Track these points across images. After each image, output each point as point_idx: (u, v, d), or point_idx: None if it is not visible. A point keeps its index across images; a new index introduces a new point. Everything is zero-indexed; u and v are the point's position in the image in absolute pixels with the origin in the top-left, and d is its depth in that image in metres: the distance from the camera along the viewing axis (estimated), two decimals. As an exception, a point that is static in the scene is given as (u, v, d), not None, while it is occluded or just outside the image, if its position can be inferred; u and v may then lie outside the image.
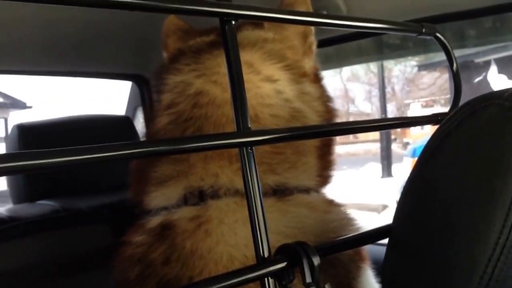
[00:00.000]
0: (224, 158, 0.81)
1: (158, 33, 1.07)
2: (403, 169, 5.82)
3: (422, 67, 11.72)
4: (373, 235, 0.64)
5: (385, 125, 0.66)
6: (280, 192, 0.82)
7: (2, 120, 13.69)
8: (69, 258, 1.36)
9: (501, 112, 0.56)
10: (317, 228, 0.78)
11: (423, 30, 0.74)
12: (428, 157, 0.62)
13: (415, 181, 0.62)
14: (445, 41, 0.77)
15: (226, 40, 0.51)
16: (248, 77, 0.84)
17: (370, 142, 14.69)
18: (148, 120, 0.95)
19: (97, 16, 1.37)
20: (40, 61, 1.72)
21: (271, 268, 0.54)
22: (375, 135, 12.94)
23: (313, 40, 0.99)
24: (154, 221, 0.83)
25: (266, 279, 0.54)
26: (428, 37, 0.77)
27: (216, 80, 0.87)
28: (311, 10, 0.96)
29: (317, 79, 0.98)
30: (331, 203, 0.88)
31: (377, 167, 10.92)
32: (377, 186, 8.96)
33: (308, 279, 0.55)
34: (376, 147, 13.08)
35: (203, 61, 0.91)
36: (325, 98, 0.95)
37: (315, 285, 0.55)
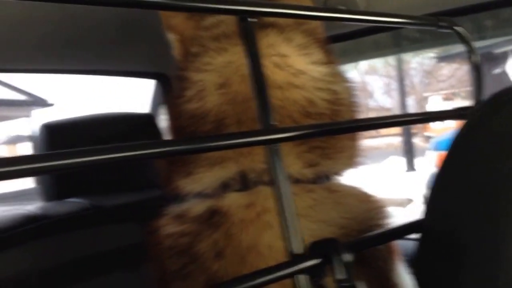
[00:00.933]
0: None
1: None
2: (427, 162, 5.77)
3: (441, 58, 11.60)
4: (405, 230, 0.63)
5: (409, 121, 0.65)
6: (320, 180, 0.81)
7: (26, 118, 13.91)
8: (98, 256, 1.37)
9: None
10: (363, 216, 0.77)
11: (440, 23, 0.73)
12: (456, 151, 0.61)
13: (444, 175, 0.61)
14: (464, 33, 0.76)
15: (245, 37, 0.51)
16: (302, 59, 0.85)
17: (391, 136, 14.59)
18: (176, 104, 0.88)
19: (121, 15, 1.39)
20: (63, 60, 1.75)
21: (304, 265, 0.54)
22: (397, 129, 12.83)
23: None
24: (197, 208, 0.79)
25: (299, 276, 0.54)
26: (447, 31, 0.75)
27: (274, 61, 0.84)
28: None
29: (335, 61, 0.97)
30: (367, 192, 0.87)
31: (399, 160, 10.84)
32: (401, 180, 8.88)
33: (340, 276, 0.54)
34: (397, 141, 12.99)
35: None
36: (346, 77, 0.93)
37: (347, 281, 0.54)
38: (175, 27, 0.97)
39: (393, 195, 7.15)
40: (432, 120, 0.72)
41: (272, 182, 0.54)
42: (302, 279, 0.55)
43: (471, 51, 0.77)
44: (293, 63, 0.85)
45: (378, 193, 0.87)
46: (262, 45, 0.84)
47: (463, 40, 0.77)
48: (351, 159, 0.87)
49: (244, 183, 0.78)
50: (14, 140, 15.55)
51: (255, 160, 0.78)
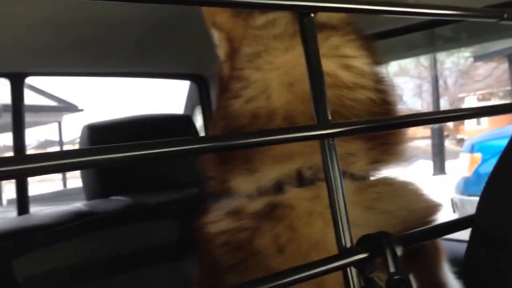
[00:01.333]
0: None
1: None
2: (460, 165, 5.66)
3: (477, 58, 11.33)
4: (455, 225, 0.63)
5: (467, 115, 0.65)
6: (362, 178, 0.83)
7: (56, 124, 14.21)
8: (141, 251, 1.43)
9: None
10: (420, 210, 0.79)
11: (505, 15, 0.71)
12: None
13: (499, 173, 0.61)
14: None
15: (304, 33, 0.52)
16: (363, 60, 0.88)
17: (418, 139, 14.39)
18: (229, 105, 0.89)
19: (156, 16, 1.41)
20: (97, 63, 1.80)
21: (354, 258, 0.54)
22: (424, 132, 12.64)
23: None
24: (256, 204, 0.80)
25: (348, 269, 0.55)
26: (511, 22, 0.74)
27: (345, 64, 0.87)
28: None
29: None
30: (418, 186, 0.90)
31: (427, 164, 10.68)
32: (429, 184, 8.73)
33: (392, 269, 0.55)
34: (425, 144, 12.80)
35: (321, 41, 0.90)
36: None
37: (398, 275, 0.55)
38: (221, 25, 0.96)
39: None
40: (488, 114, 0.70)
41: (326, 179, 0.54)
42: (352, 272, 0.55)
43: None
44: (357, 64, 0.87)
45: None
46: (327, 46, 0.87)
47: None
48: (404, 154, 0.89)
49: (300, 180, 0.79)
50: (45, 145, 15.87)
51: (311, 159, 0.79)
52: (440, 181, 8.72)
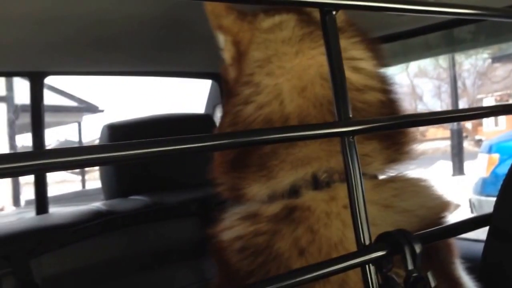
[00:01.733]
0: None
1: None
2: (478, 165, 5.60)
3: (495, 59, 11.24)
4: (473, 223, 0.63)
5: (483, 113, 0.65)
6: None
7: (76, 124, 14.33)
8: (160, 250, 1.43)
9: None
10: (437, 207, 0.79)
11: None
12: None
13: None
14: None
15: (326, 31, 0.52)
16: (371, 62, 0.89)
17: (438, 140, 14.27)
18: (241, 110, 0.89)
19: (177, 14, 1.41)
20: (120, 61, 1.80)
21: (373, 255, 0.55)
22: (444, 133, 12.54)
23: None
24: (273, 207, 0.81)
25: (367, 266, 0.55)
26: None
27: (354, 66, 0.87)
28: None
29: None
30: (432, 183, 0.90)
31: (447, 165, 10.59)
32: (448, 184, 8.69)
33: (410, 266, 0.55)
34: (445, 145, 12.69)
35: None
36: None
37: (417, 272, 0.55)
38: (227, 28, 0.96)
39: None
40: (498, 113, 0.70)
41: (346, 176, 0.55)
42: (370, 269, 0.56)
43: None
44: (365, 65, 0.88)
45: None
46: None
47: None
48: (415, 153, 0.89)
49: (316, 184, 0.80)
50: (64, 146, 15.91)
51: (327, 162, 0.80)
52: (459, 181, 8.64)
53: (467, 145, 12.78)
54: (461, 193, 6.72)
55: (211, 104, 2.16)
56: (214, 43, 1.04)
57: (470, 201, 5.54)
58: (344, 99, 0.52)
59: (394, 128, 0.66)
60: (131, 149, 0.43)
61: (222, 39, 0.97)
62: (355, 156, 0.53)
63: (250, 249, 0.79)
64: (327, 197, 0.78)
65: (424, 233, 0.59)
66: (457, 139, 10.48)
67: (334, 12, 0.51)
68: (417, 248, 0.55)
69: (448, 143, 11.77)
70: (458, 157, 10.40)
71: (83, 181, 13.74)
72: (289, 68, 0.87)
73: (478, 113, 0.65)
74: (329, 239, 0.74)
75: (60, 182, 11.94)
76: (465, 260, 0.82)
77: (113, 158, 0.42)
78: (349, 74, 0.84)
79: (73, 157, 0.40)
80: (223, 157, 0.92)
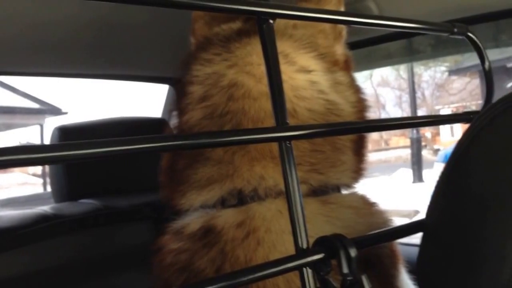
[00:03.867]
0: (268, 158, 0.79)
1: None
2: (435, 174, 5.75)
3: (452, 72, 11.60)
4: (408, 229, 0.65)
5: (418, 123, 0.67)
6: (321, 192, 0.80)
7: (38, 126, 14.02)
8: (110, 255, 1.40)
9: (534, 108, 0.57)
10: (363, 232, 0.78)
11: (455, 29, 0.74)
12: (461, 154, 0.62)
13: (448, 177, 0.63)
14: (476, 40, 0.78)
15: (263, 39, 0.53)
16: (282, 68, 0.85)
17: (400, 148, 14.58)
18: (177, 115, 0.89)
19: (134, 19, 1.41)
20: (76, 64, 1.77)
21: (309, 259, 0.56)
22: (406, 142, 12.84)
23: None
24: (193, 225, 0.80)
25: (304, 269, 0.56)
26: (460, 37, 0.77)
27: (249, 71, 0.83)
28: (342, 5, 0.91)
29: (348, 67, 0.94)
30: (371, 204, 0.86)
31: (408, 173, 10.84)
32: (409, 191, 8.88)
33: (346, 270, 0.56)
34: (406, 154, 12.98)
35: (233, 50, 0.86)
36: (356, 87, 0.91)
37: (352, 276, 0.56)
38: (194, 32, 0.97)
39: (400, 206, 7.14)
40: (440, 122, 0.73)
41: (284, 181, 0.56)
42: (308, 273, 0.57)
43: (483, 57, 0.79)
44: (311, 74, 0.85)
45: (385, 205, 0.88)
46: (242, 54, 0.85)
47: (476, 46, 0.78)
48: (355, 172, 0.87)
49: (240, 198, 0.79)
50: None
51: (251, 176, 0.79)
52: (419, 189, 8.85)
53: (426, 153, 13.11)
54: (420, 199, 6.88)
55: (168, 108, 2.15)
56: (172, 48, 1.05)
57: (431, 197, 5.66)
58: (281, 105, 0.53)
59: (331, 134, 0.67)
60: (81, 149, 0.43)
61: (192, 43, 0.99)
62: (292, 161, 0.54)
63: (176, 264, 0.78)
64: (239, 220, 0.77)
65: (360, 238, 0.61)
66: (417, 148, 10.74)
67: (271, 21, 0.52)
68: (352, 252, 0.56)
69: (409, 151, 12.05)
70: (417, 165, 10.66)
71: (45, 184, 13.41)
72: (199, 76, 0.87)
73: (415, 122, 0.68)
74: (242, 260, 0.74)
75: (22, 184, 11.62)
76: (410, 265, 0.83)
77: (55, 157, 0.42)
78: (244, 78, 0.82)
79: (20, 156, 0.40)
80: (164, 163, 0.91)
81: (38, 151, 0.41)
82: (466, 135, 0.63)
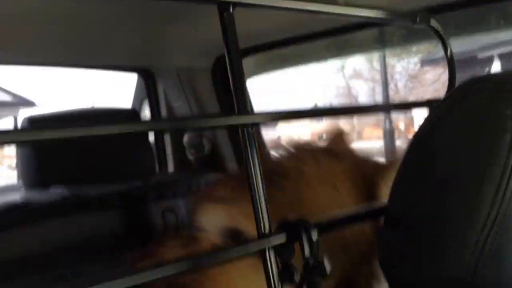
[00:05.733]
0: None
1: (162, 25, 1.05)
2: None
3: (425, 62, 11.69)
4: (370, 213, 0.66)
5: (379, 108, 0.69)
6: None
7: (12, 118, 13.89)
8: (79, 244, 1.39)
9: (490, 94, 0.59)
10: None
11: (418, 18, 0.76)
12: (422, 139, 0.64)
13: (409, 162, 0.65)
14: (439, 28, 0.79)
15: (224, 27, 0.54)
16: None
17: (374, 139, 14.72)
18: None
19: (103, 7, 1.39)
20: (48, 52, 1.75)
21: (272, 243, 0.57)
22: (379, 133, 12.95)
23: None
24: None
25: (267, 253, 0.57)
26: (423, 26, 0.79)
27: None
28: None
29: None
30: None
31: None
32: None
33: (307, 253, 0.57)
34: (380, 145, 13.10)
35: None
36: None
37: (313, 259, 0.58)
38: None
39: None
40: (402, 108, 0.74)
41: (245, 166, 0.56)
42: (270, 256, 0.58)
43: (445, 45, 0.81)
44: None
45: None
46: None
47: (438, 35, 0.80)
48: None
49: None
50: None
51: None
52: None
53: (400, 144, 13.25)
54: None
55: (138, 99, 2.13)
56: (140, 37, 1.05)
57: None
58: (242, 93, 0.54)
59: (292, 119, 0.68)
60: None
61: None
62: (254, 147, 0.55)
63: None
64: None
65: (322, 221, 0.62)
66: (390, 138, 10.84)
67: (231, 9, 0.52)
68: (314, 236, 0.58)
69: (383, 143, 12.15)
70: (390, 156, 10.78)
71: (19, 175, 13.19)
72: None
73: (376, 107, 0.69)
74: None
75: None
76: None
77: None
78: None
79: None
80: None
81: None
82: (426, 121, 0.64)
